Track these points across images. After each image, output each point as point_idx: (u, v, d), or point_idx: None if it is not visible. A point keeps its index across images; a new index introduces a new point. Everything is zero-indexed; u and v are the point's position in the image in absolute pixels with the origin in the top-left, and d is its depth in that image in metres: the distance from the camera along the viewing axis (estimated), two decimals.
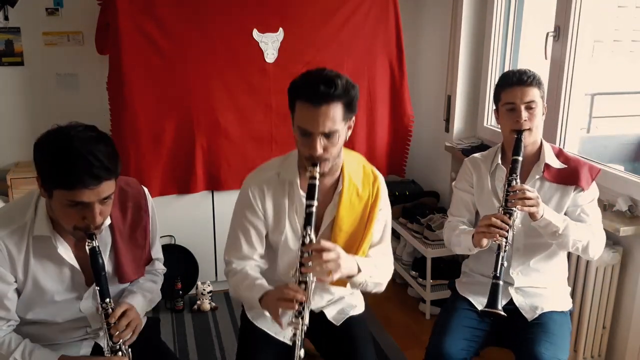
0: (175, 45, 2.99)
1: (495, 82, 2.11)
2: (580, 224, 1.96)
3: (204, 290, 3.25)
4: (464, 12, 3.21)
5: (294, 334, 1.56)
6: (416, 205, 3.38)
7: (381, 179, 1.85)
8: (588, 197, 1.99)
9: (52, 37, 3.32)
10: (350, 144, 3.37)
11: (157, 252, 1.89)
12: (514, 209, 1.87)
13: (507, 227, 1.85)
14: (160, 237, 3.13)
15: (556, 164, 2.02)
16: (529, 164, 2.03)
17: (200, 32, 3.01)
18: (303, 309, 1.53)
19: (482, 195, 2.11)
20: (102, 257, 1.53)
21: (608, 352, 2.47)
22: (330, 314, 1.91)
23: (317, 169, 1.61)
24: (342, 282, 1.71)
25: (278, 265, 1.84)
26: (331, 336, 1.89)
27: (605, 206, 2.36)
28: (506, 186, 1.92)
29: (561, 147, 2.71)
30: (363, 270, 1.67)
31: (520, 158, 1.94)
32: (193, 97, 3.07)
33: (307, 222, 1.58)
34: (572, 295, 2.39)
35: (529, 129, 1.96)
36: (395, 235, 3.58)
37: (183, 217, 3.26)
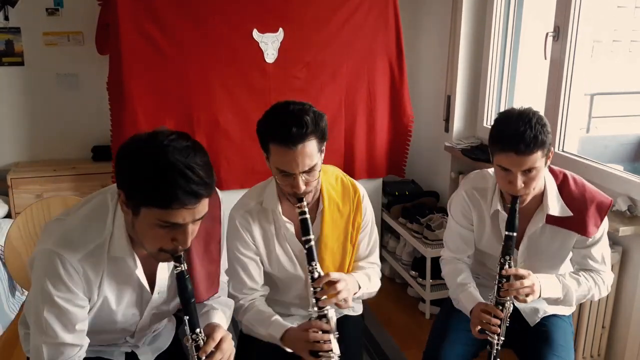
0: (175, 45, 2.99)
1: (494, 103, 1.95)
2: (581, 278, 1.83)
3: None
4: (464, 12, 3.21)
5: None
6: (416, 205, 3.39)
7: (362, 192, 1.85)
8: (596, 236, 1.80)
9: (52, 37, 3.33)
10: (350, 144, 3.41)
11: (225, 265, 1.71)
12: (507, 298, 1.71)
13: (499, 321, 1.72)
14: None
15: (558, 211, 1.78)
16: (531, 207, 1.81)
17: (200, 32, 3.02)
18: (330, 341, 1.61)
19: (483, 237, 1.93)
20: (190, 283, 1.36)
21: (607, 352, 2.47)
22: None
23: (304, 202, 1.64)
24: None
25: (279, 288, 1.87)
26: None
27: None
28: (499, 271, 1.72)
29: (559, 150, 2.72)
30: (362, 286, 1.79)
31: (514, 234, 1.71)
32: (193, 97, 3.07)
33: (310, 257, 1.63)
34: None
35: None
36: (395, 235, 3.59)
37: None
